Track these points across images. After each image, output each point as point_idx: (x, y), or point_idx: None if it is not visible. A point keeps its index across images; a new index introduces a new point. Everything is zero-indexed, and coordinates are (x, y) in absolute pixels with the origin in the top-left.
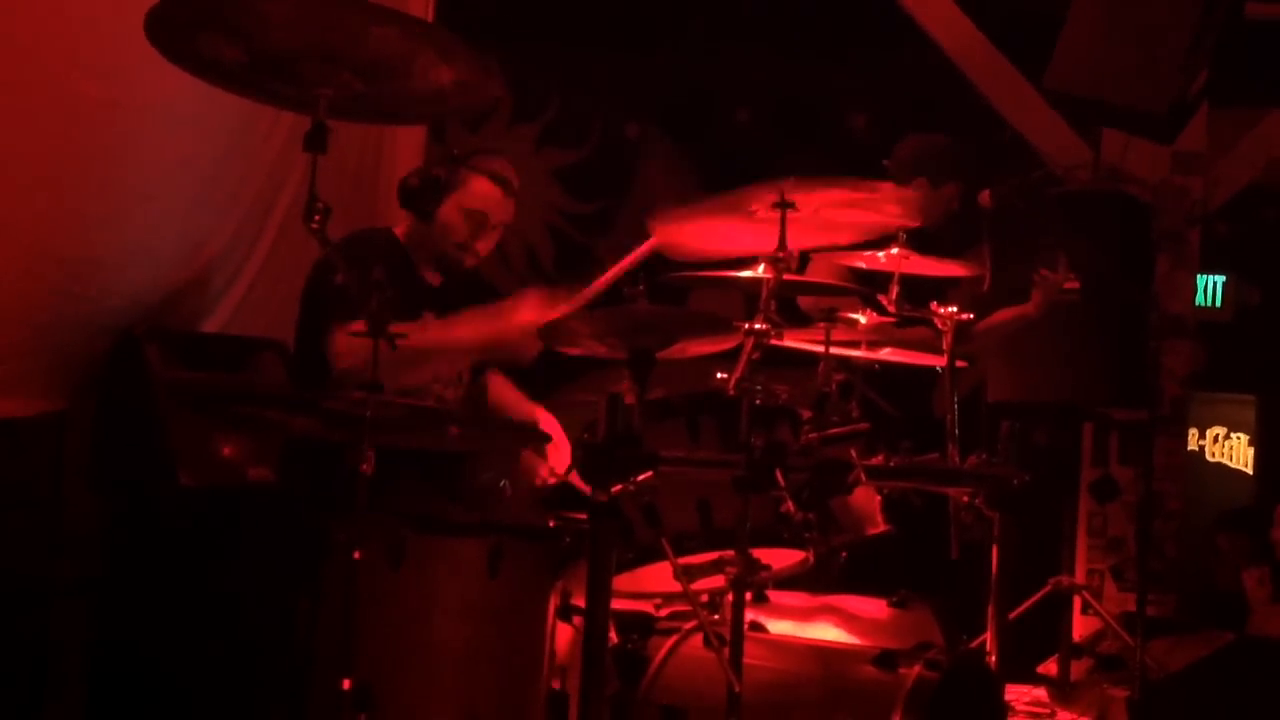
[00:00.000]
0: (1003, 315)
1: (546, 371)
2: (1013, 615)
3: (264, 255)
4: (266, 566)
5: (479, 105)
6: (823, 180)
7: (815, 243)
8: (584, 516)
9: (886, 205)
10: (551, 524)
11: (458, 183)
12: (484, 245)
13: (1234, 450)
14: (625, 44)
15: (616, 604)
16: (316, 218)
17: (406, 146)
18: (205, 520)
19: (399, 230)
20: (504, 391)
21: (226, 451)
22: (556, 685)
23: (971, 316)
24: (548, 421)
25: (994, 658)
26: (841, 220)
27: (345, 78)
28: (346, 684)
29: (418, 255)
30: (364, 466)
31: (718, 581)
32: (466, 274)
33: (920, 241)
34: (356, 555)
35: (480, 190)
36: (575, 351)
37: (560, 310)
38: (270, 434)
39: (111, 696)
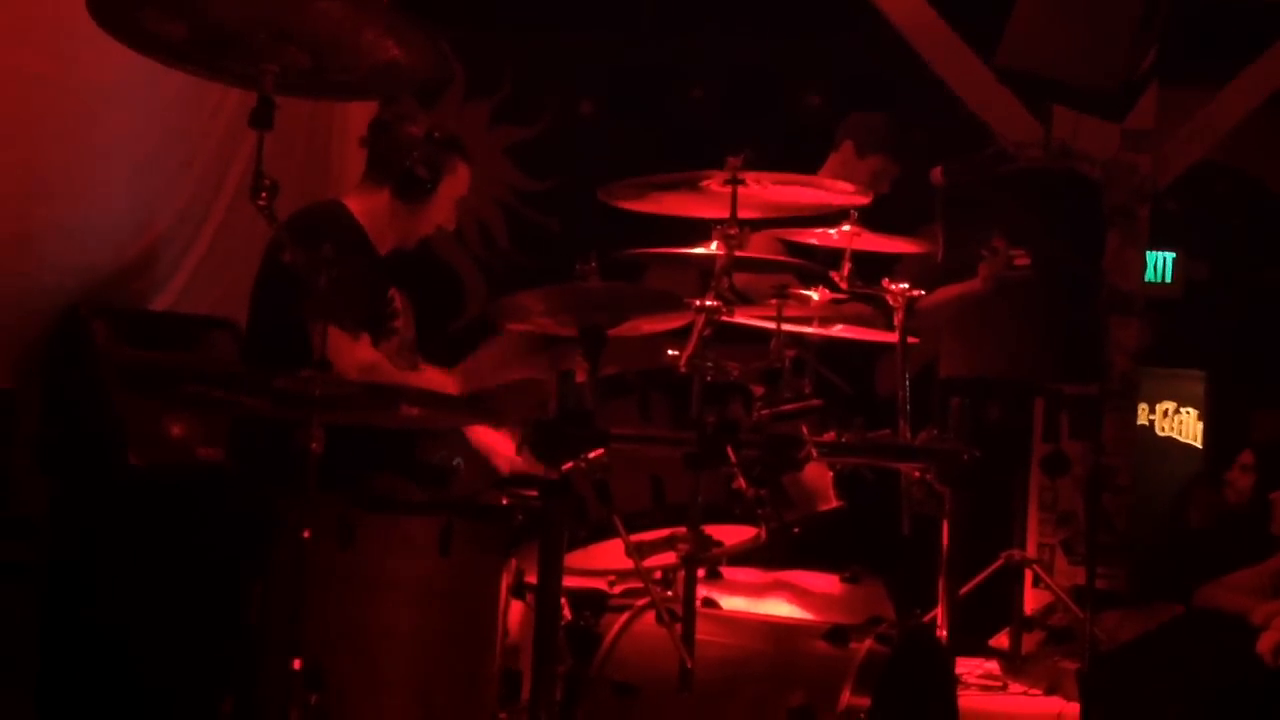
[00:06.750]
0: (950, 291)
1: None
2: (964, 589)
3: (213, 233)
4: (216, 546)
5: (428, 81)
6: (771, 174)
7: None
8: (536, 494)
9: (832, 188)
10: (503, 502)
11: (450, 170)
12: (453, 223)
13: (1183, 425)
14: (580, 21)
15: (569, 581)
16: (263, 194)
17: (358, 124)
18: (154, 500)
19: (352, 204)
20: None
21: (175, 431)
22: (509, 663)
23: (922, 293)
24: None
25: (945, 631)
26: (789, 198)
27: (291, 53)
28: (297, 664)
29: (379, 230)
30: (313, 445)
31: (670, 558)
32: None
33: (872, 218)
34: (305, 535)
35: (465, 176)
36: (528, 329)
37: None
38: (220, 413)
39: (62, 677)
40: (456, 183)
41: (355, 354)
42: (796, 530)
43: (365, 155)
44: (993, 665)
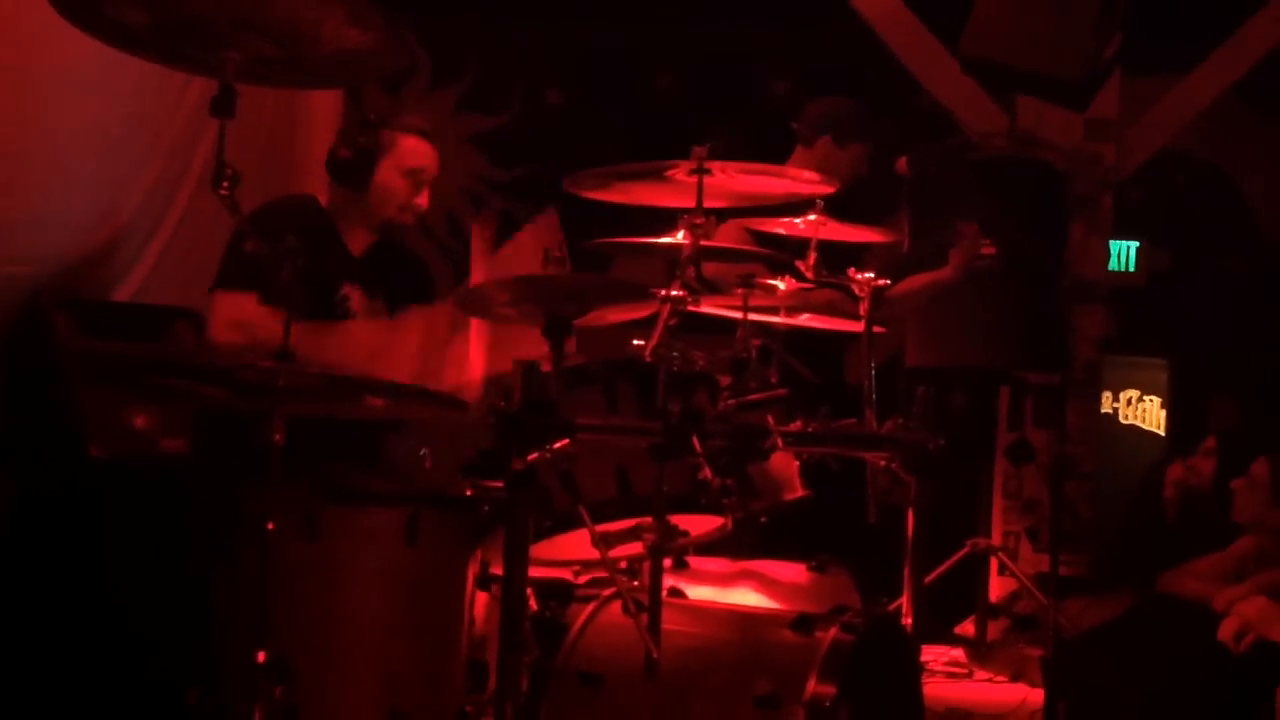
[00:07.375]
0: (919, 279)
1: None
2: (930, 577)
3: (176, 223)
4: (180, 538)
5: (392, 70)
6: (737, 163)
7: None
8: (501, 485)
9: (800, 178)
10: (469, 492)
11: (388, 146)
12: (423, 200)
13: (1147, 413)
14: (547, 8)
15: (535, 572)
16: (225, 184)
17: (322, 112)
18: (117, 492)
19: (323, 199)
20: None
21: (138, 422)
22: (475, 654)
23: (888, 282)
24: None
25: (910, 619)
26: (756, 187)
27: (253, 41)
28: (261, 656)
29: (346, 224)
30: (276, 436)
31: (636, 548)
32: (391, 243)
33: (837, 208)
34: (270, 526)
35: (413, 148)
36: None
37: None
38: (183, 404)
39: (21, 669)
40: (400, 155)
41: (226, 312)
42: (763, 520)
43: (331, 145)
44: (958, 653)
